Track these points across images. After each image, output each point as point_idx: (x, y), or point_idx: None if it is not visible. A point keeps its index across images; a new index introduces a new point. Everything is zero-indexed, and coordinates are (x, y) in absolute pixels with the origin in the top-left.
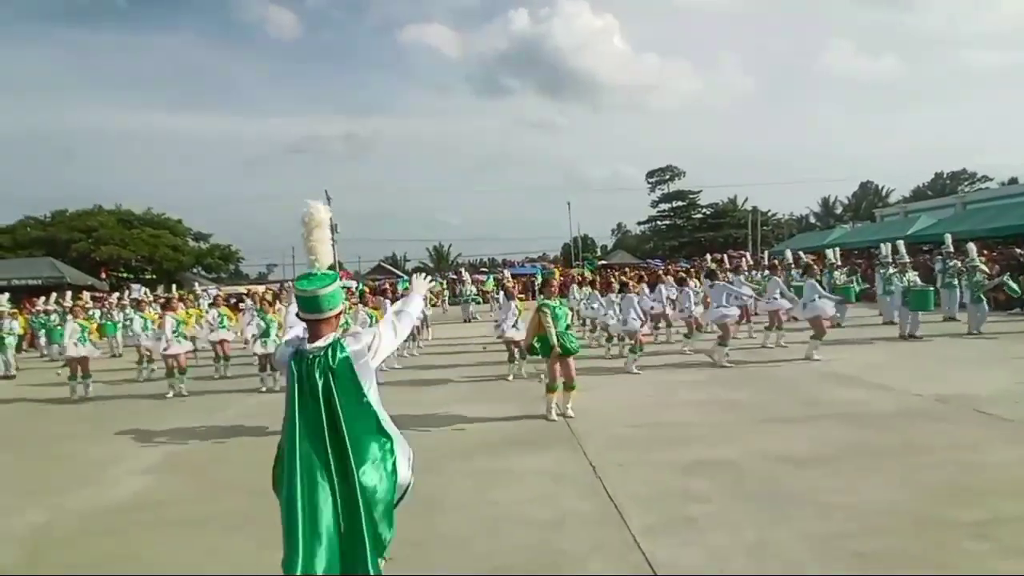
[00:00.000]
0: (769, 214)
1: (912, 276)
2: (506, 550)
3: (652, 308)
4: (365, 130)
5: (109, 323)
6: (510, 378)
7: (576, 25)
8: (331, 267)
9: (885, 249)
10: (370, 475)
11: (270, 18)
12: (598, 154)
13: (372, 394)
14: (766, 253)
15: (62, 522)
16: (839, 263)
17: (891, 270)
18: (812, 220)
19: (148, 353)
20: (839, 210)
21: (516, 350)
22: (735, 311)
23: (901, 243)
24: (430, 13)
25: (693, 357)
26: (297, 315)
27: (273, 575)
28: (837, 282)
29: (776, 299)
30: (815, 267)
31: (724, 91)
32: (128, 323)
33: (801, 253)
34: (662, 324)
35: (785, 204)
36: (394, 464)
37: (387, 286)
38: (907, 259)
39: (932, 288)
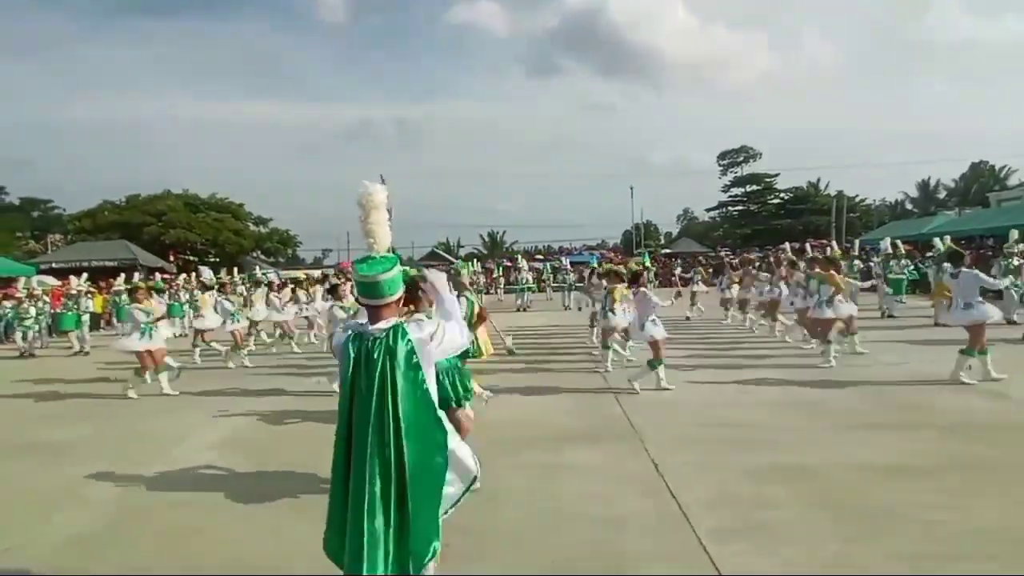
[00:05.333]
0: (856, 199)
1: None
2: (565, 546)
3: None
4: (417, 115)
5: (175, 304)
6: (609, 368)
7: None
8: (391, 250)
9: (1012, 237)
10: (423, 461)
11: (321, 1)
12: (662, 137)
13: (431, 383)
14: (855, 242)
15: (137, 492)
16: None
17: (1016, 261)
18: (908, 206)
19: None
20: (942, 195)
21: (610, 337)
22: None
23: None
24: None
25: (768, 352)
26: (357, 300)
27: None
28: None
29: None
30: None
31: (805, 64)
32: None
33: (899, 242)
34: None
35: (876, 189)
36: (446, 458)
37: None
38: None
39: None
